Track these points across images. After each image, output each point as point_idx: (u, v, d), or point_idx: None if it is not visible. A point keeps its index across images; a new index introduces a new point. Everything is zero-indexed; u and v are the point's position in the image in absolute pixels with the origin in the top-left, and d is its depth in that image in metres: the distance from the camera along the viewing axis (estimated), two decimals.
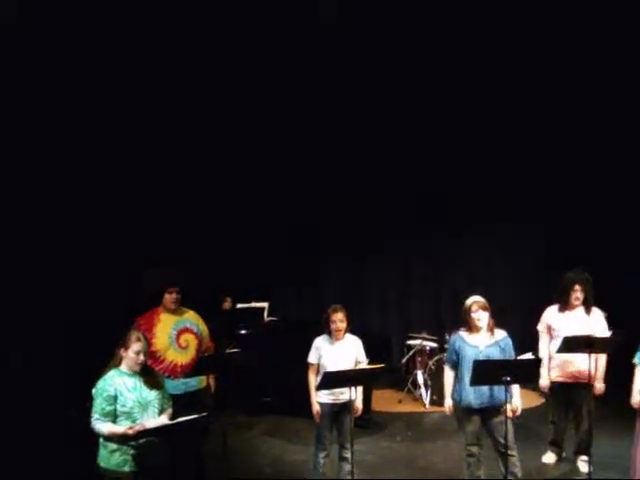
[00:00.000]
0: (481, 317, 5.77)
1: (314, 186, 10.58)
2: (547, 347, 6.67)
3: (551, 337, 6.66)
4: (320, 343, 6.08)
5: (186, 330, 6.03)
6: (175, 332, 5.96)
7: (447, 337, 8.47)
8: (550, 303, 6.79)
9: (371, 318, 11.10)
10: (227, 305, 9.23)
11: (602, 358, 6.45)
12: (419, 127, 10.22)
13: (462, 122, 10.14)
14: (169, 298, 5.99)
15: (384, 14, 8.72)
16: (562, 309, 6.64)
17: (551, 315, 6.71)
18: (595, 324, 6.53)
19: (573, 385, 6.60)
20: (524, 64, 9.31)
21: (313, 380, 6.01)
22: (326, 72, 9.47)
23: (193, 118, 9.49)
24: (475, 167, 10.36)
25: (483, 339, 5.80)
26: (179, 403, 5.31)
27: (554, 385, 6.69)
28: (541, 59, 9.20)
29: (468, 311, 5.82)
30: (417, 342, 9.46)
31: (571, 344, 6.10)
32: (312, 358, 6.07)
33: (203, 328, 6.22)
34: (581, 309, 6.61)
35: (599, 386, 6.50)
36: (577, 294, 6.53)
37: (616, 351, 6.23)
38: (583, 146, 9.79)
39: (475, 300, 5.84)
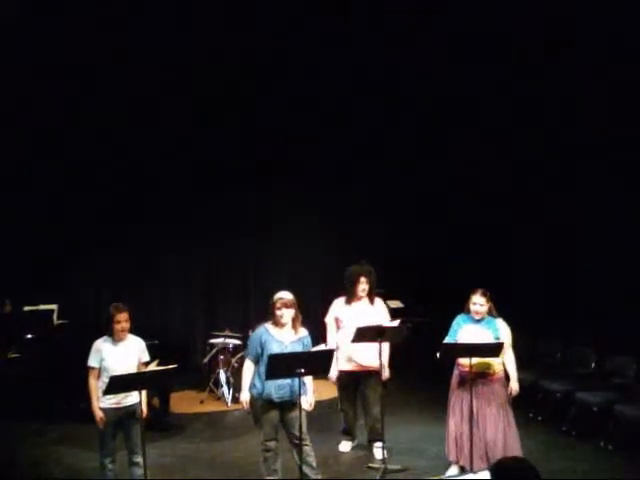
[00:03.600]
0: (284, 314, 5.77)
1: None
2: (335, 338, 6.82)
3: (338, 328, 6.84)
4: (101, 345, 5.77)
5: None
6: None
7: (250, 333, 8.43)
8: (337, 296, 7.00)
9: (173, 318, 10.86)
10: (7, 309, 8.63)
11: (386, 346, 6.67)
12: None
13: None
14: None
15: None
16: (349, 301, 6.87)
17: (338, 307, 6.92)
18: (378, 313, 6.83)
19: (360, 374, 6.81)
20: None
21: (94, 385, 5.71)
22: None
23: None
24: None
25: (288, 335, 5.81)
26: None
27: (342, 375, 6.86)
28: None
29: (273, 307, 5.80)
30: (220, 340, 9.34)
31: (364, 334, 6.30)
32: (93, 361, 5.74)
33: None
34: (366, 300, 6.87)
35: (386, 373, 6.71)
36: (363, 285, 6.80)
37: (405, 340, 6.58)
38: None
39: (280, 297, 5.83)
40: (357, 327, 6.30)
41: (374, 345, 6.33)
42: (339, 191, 10.87)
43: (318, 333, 6.78)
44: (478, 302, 6.03)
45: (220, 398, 9.02)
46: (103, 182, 10.24)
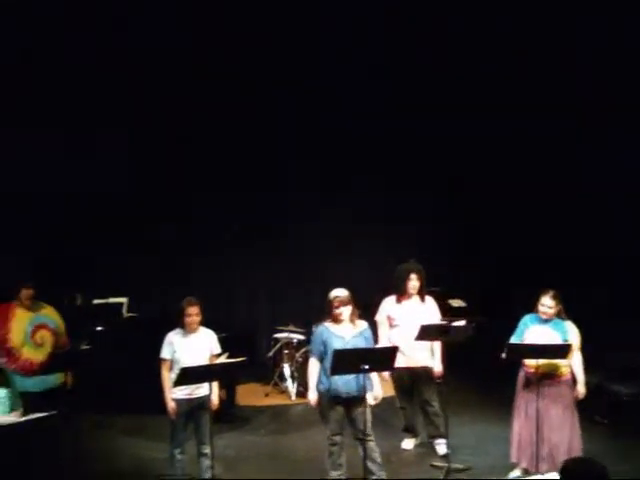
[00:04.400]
0: (343, 312, 5.84)
1: None
2: (387, 336, 6.86)
3: (390, 326, 6.87)
4: (173, 337, 5.94)
5: (42, 326, 5.90)
6: (31, 328, 5.81)
7: (313, 329, 8.52)
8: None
9: (238, 312, 11.01)
10: (78, 302, 8.90)
11: (438, 343, 6.74)
12: None
13: None
14: (25, 293, 5.83)
15: None
16: (399, 299, 6.90)
17: (389, 305, 6.95)
18: (428, 311, 6.86)
19: (414, 370, 6.84)
20: None
21: (167, 376, 5.87)
22: None
23: None
24: None
25: (348, 330, 5.87)
26: (38, 400, 5.23)
27: (397, 372, 6.83)
28: None
29: (331, 305, 5.87)
30: (284, 335, 9.46)
31: (428, 332, 6.33)
32: (165, 353, 5.91)
33: (60, 324, 6.08)
34: (416, 298, 6.90)
35: (438, 368, 6.76)
36: (413, 282, 6.84)
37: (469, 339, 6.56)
38: None
39: (336, 295, 5.89)
40: (421, 325, 6.32)
41: (426, 342, 6.42)
42: (403, 190, 10.84)
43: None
44: (547, 304, 5.96)
45: (284, 392, 9.14)
46: (176, 182, 10.46)
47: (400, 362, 6.73)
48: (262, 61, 10.12)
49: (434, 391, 6.79)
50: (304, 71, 10.42)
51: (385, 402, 7.77)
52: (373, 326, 6.89)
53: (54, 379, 5.81)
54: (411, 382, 6.96)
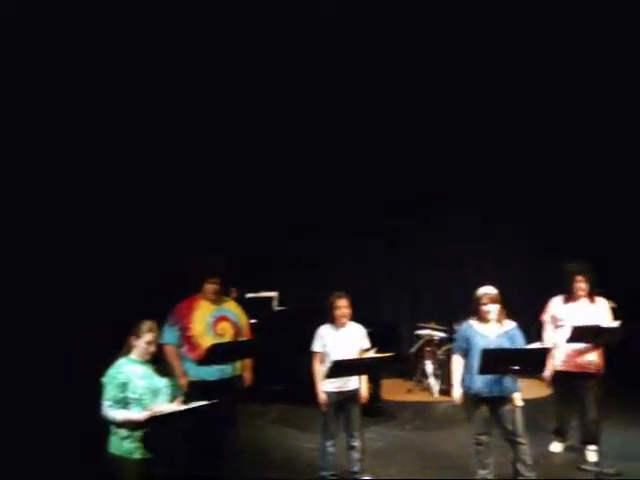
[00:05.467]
0: (491, 309, 5.79)
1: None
2: (552, 337, 6.70)
3: (555, 327, 6.71)
4: (324, 331, 6.10)
5: (224, 319, 6.05)
6: (212, 319, 5.99)
7: (455, 328, 8.50)
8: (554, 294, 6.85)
9: (380, 306, 11.11)
10: (233, 295, 9.25)
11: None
12: None
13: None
14: (209, 288, 6.02)
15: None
16: (567, 300, 6.70)
17: (556, 305, 6.76)
18: (599, 313, 6.58)
19: (577, 375, 6.63)
20: None
21: (318, 369, 6.03)
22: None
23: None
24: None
25: (493, 329, 5.82)
26: (212, 389, 5.44)
27: (557, 375, 6.70)
28: None
29: (478, 302, 5.82)
30: (426, 332, 9.49)
31: (580, 333, 6.16)
32: (316, 346, 6.09)
33: (242, 318, 6.26)
34: (585, 299, 6.65)
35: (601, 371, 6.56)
36: (580, 284, 6.60)
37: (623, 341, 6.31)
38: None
39: (486, 292, 5.84)
40: (574, 326, 6.18)
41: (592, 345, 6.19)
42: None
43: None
44: None
45: (427, 389, 9.17)
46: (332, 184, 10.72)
47: (562, 364, 6.62)
48: None
49: (595, 397, 6.52)
50: None
51: (536, 403, 7.70)
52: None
53: (231, 370, 5.95)
54: (571, 385, 6.73)
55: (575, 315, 6.53)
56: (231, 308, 6.19)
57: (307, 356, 6.25)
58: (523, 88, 9.72)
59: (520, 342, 5.84)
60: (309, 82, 9.68)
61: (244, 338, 6.16)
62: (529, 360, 5.61)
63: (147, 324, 4.75)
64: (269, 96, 9.64)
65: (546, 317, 6.82)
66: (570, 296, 6.67)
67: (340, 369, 5.65)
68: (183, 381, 5.82)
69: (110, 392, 4.58)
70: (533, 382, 7.41)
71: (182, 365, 5.91)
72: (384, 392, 8.67)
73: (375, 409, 8.03)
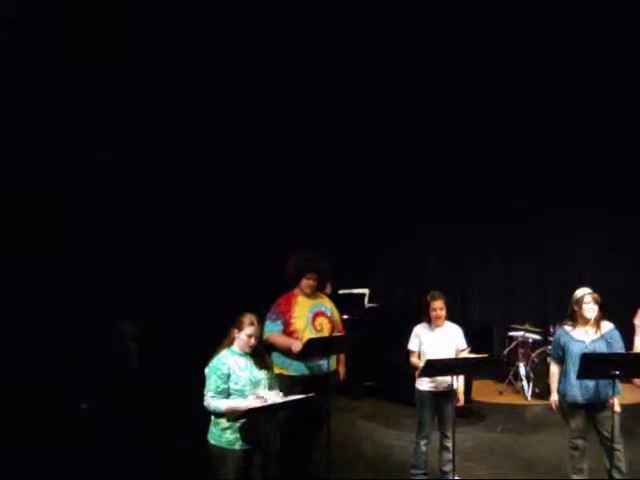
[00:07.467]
0: (592, 309, 5.65)
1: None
2: None
3: None
4: (420, 330, 6.16)
5: (321, 314, 6.11)
6: (311, 315, 6.05)
7: (552, 330, 8.37)
8: None
9: (473, 307, 11.03)
10: (327, 291, 9.35)
11: None
12: None
13: None
14: (306, 283, 6.09)
15: None
16: None
17: None
18: None
19: None
20: None
21: (417, 363, 6.08)
22: None
23: None
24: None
25: (589, 333, 5.68)
26: (308, 383, 5.54)
27: None
28: None
29: (579, 302, 5.67)
30: (520, 334, 9.36)
31: None
32: (412, 345, 6.17)
33: (336, 314, 6.32)
34: None
35: None
36: None
37: None
38: None
39: (587, 292, 5.71)
40: None
41: None
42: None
43: None
44: None
45: (519, 391, 9.06)
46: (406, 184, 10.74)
47: None
48: None
49: None
50: None
51: (632, 410, 7.51)
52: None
53: (327, 365, 5.94)
54: None
55: None
56: (326, 303, 6.27)
57: (397, 353, 6.29)
58: None
59: (619, 345, 5.70)
60: None
61: (338, 334, 6.23)
62: (631, 365, 5.47)
63: (249, 317, 4.85)
64: None
65: (637, 321, 6.68)
66: None
67: (433, 368, 5.68)
68: (296, 345, 5.76)
69: (213, 383, 4.69)
70: (626, 387, 7.13)
71: (279, 358, 5.97)
72: (474, 393, 8.62)
73: (466, 410, 8.00)
